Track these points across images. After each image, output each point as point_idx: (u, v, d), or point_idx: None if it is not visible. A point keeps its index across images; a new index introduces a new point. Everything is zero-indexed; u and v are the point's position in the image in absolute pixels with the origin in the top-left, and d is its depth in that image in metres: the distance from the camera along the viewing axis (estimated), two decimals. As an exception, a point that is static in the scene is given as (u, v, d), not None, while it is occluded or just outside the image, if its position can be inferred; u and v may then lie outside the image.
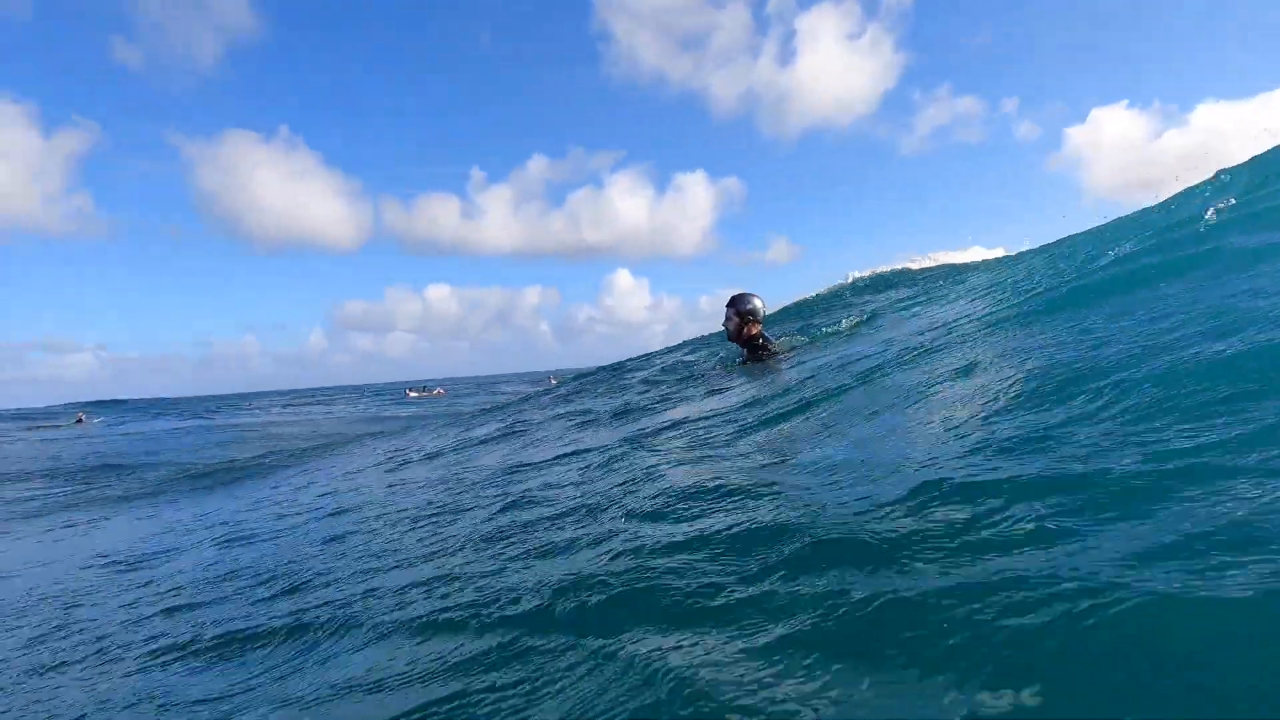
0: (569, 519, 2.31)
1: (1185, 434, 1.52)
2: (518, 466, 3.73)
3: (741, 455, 2.62)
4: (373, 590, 2.06)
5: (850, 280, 9.77)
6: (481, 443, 5.34)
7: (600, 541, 1.94)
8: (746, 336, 5.87)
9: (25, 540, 4.97)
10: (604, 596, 1.53)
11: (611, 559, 1.76)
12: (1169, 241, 3.56)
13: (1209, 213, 3.62)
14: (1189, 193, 4.92)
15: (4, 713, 1.74)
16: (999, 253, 8.94)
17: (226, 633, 1.99)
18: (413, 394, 37.42)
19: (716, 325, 6.24)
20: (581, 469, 3.18)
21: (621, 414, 4.81)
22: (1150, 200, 5.35)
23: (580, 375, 9.47)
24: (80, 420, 30.49)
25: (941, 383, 2.72)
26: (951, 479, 1.62)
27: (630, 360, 9.24)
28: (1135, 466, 1.41)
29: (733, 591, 1.39)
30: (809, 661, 1.08)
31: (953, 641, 1.02)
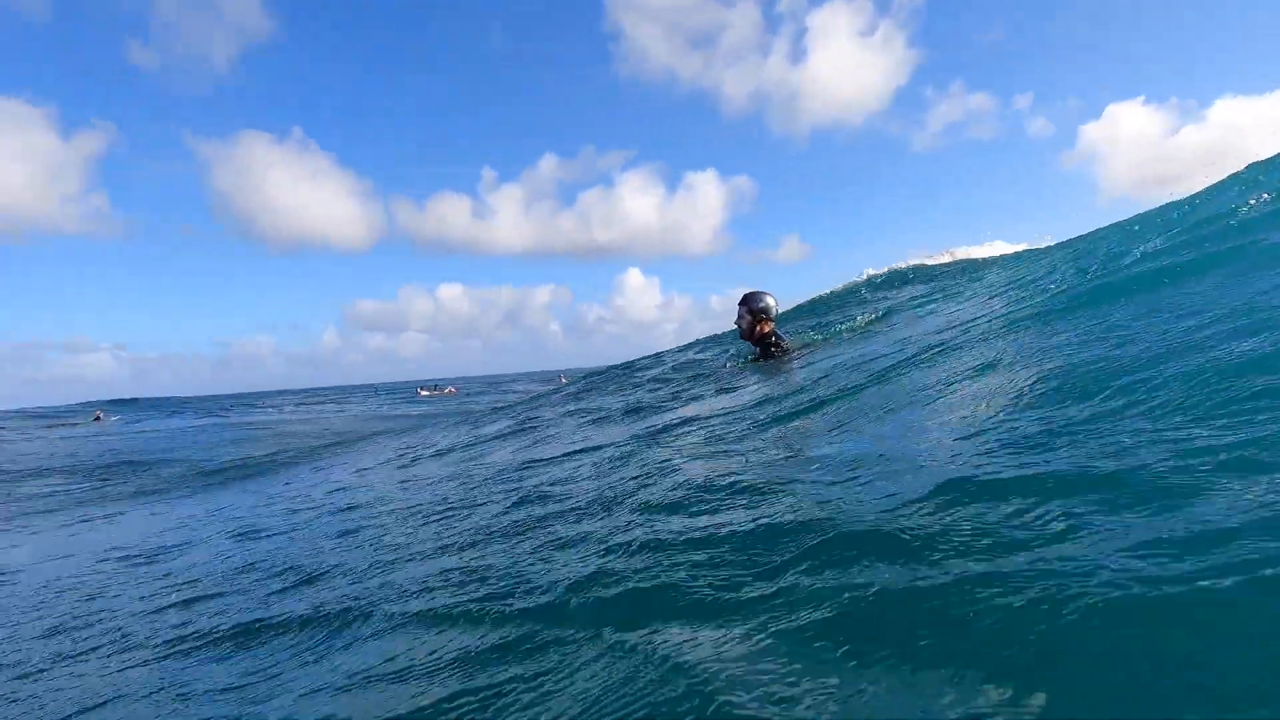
0: (583, 513, 2.30)
1: (1213, 432, 1.48)
2: (530, 462, 3.72)
3: (755, 451, 2.60)
4: (389, 582, 2.06)
5: (865, 277, 9.64)
6: (494, 438, 5.35)
7: (615, 535, 1.93)
8: (759, 335, 5.84)
9: (44, 534, 5.03)
10: (619, 590, 1.52)
11: (626, 553, 1.75)
12: (1199, 237, 3.49)
13: (1240, 207, 3.55)
14: (1218, 187, 4.83)
15: (30, 699, 1.76)
16: (1020, 248, 8.74)
17: (245, 622, 2.00)
18: (424, 393, 37.61)
19: (727, 324, 6.21)
20: (594, 464, 3.17)
21: (634, 411, 4.80)
22: (1167, 196, 5.27)
23: (591, 374, 9.47)
24: (98, 418, 30.89)
25: (960, 380, 2.68)
26: (971, 476, 1.59)
27: (641, 359, 9.23)
28: (1161, 464, 1.38)
29: (749, 586, 1.38)
30: (827, 656, 1.06)
31: (974, 637, 1.00)
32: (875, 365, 3.65)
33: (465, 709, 1.20)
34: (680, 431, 3.49)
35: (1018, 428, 1.87)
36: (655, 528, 1.89)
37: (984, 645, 0.98)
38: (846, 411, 2.86)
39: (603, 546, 1.86)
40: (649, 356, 9.39)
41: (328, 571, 2.38)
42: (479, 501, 3.00)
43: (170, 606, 2.40)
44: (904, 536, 1.37)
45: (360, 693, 1.38)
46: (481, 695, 1.23)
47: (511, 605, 1.60)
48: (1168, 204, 5.11)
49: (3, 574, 3.57)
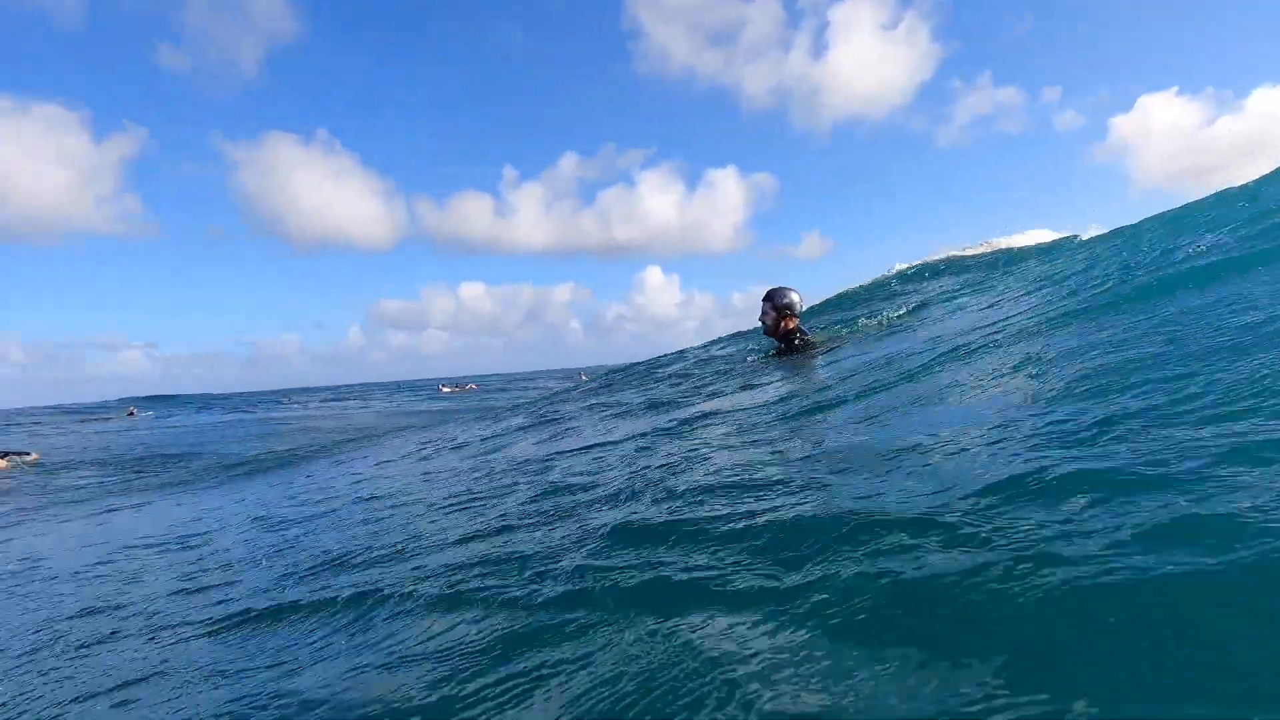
0: (608, 502, 2.28)
1: (1266, 431, 1.38)
2: (554, 454, 3.69)
3: (780, 443, 2.54)
4: (419, 566, 2.06)
5: (894, 272, 9.39)
6: (517, 431, 5.34)
7: (640, 524, 1.91)
8: (783, 331, 5.76)
9: (75, 522, 5.11)
10: (646, 578, 1.50)
11: (652, 541, 1.73)
12: (1255, 232, 3.33)
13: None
14: (1277, 175, 4.63)
15: (69, 679, 1.78)
16: (1061, 235, 8.31)
17: (277, 604, 2.01)
18: (446, 390, 37.99)
19: (749, 322, 6.13)
20: (618, 456, 3.12)
21: (657, 405, 4.74)
22: (1203, 188, 5.09)
23: (613, 371, 9.43)
24: (131, 414, 31.69)
25: (996, 376, 2.60)
26: (1006, 470, 1.54)
27: (664, 356, 9.17)
28: (1210, 464, 1.30)
29: (774, 576, 1.36)
30: (852, 647, 1.05)
31: (1010, 630, 0.98)
32: (904, 361, 3.55)
33: (496, 692, 1.19)
34: (704, 424, 3.42)
35: (1057, 423, 1.81)
36: (680, 517, 1.86)
37: (1018, 639, 0.96)
38: (873, 406, 2.79)
39: (628, 535, 1.84)
40: (671, 354, 9.33)
41: (356, 556, 2.38)
42: (503, 491, 2.97)
43: (203, 589, 2.42)
44: (934, 530, 1.33)
45: (393, 672, 1.38)
46: (514, 679, 1.22)
47: (540, 592, 1.59)
48: (1216, 193, 4.91)
49: (41, 558, 3.63)
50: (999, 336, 3.33)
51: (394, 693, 1.26)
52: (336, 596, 1.92)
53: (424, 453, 5.57)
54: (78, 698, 1.61)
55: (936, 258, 9.18)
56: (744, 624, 1.19)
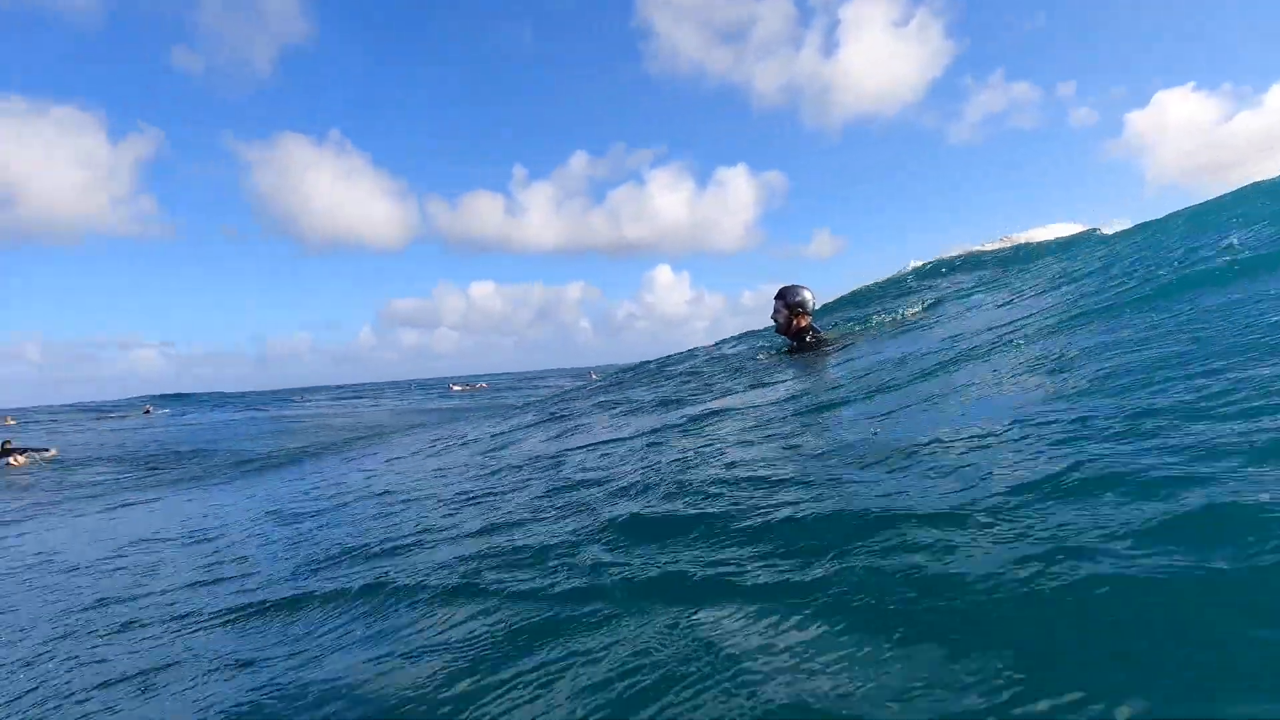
0: (621, 497, 2.27)
1: None
2: (566, 450, 3.68)
3: (794, 441, 2.53)
4: (433, 559, 2.07)
5: (911, 268, 9.23)
6: (528, 427, 5.34)
7: (652, 519, 1.90)
8: (796, 329, 5.71)
9: (91, 517, 5.17)
10: (659, 571, 1.50)
11: (665, 535, 1.73)
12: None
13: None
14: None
15: (92, 666, 1.80)
16: (1081, 228, 8.11)
17: (294, 595, 2.03)
18: (456, 389, 38.13)
19: (759, 320, 6.10)
20: (629, 451, 3.11)
21: (668, 403, 4.72)
22: (1220, 184, 4.99)
23: (623, 370, 9.42)
24: (147, 412, 32.05)
25: (1016, 375, 2.56)
26: (1023, 467, 1.53)
27: (674, 355, 9.14)
28: (1241, 464, 1.27)
29: (786, 570, 1.35)
30: (862, 641, 1.04)
31: (1030, 628, 0.97)
32: (919, 359, 3.51)
33: (517, 683, 1.19)
34: (717, 421, 3.40)
35: (1078, 420, 1.78)
36: (695, 511, 1.86)
37: (1037, 636, 0.95)
38: (886, 403, 2.76)
39: (643, 528, 1.84)
40: (682, 352, 9.30)
41: (372, 549, 2.39)
42: (516, 486, 2.98)
43: (220, 580, 2.44)
44: (950, 526, 1.32)
45: (414, 662, 1.38)
46: (535, 670, 1.22)
47: (557, 584, 1.58)
48: (1235, 191, 4.82)
49: (59, 551, 3.67)
50: (1016, 335, 3.29)
51: (415, 682, 1.26)
52: (354, 587, 1.93)
53: (436, 449, 5.58)
54: (103, 683, 1.63)
55: (954, 253, 8.99)
56: (761, 618, 1.18)
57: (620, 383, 7.50)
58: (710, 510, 1.81)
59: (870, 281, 9.41)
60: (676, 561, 1.52)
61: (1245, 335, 2.06)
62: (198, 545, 3.23)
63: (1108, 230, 7.17)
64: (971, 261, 8.51)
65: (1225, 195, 5.05)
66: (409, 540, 2.37)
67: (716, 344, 9.20)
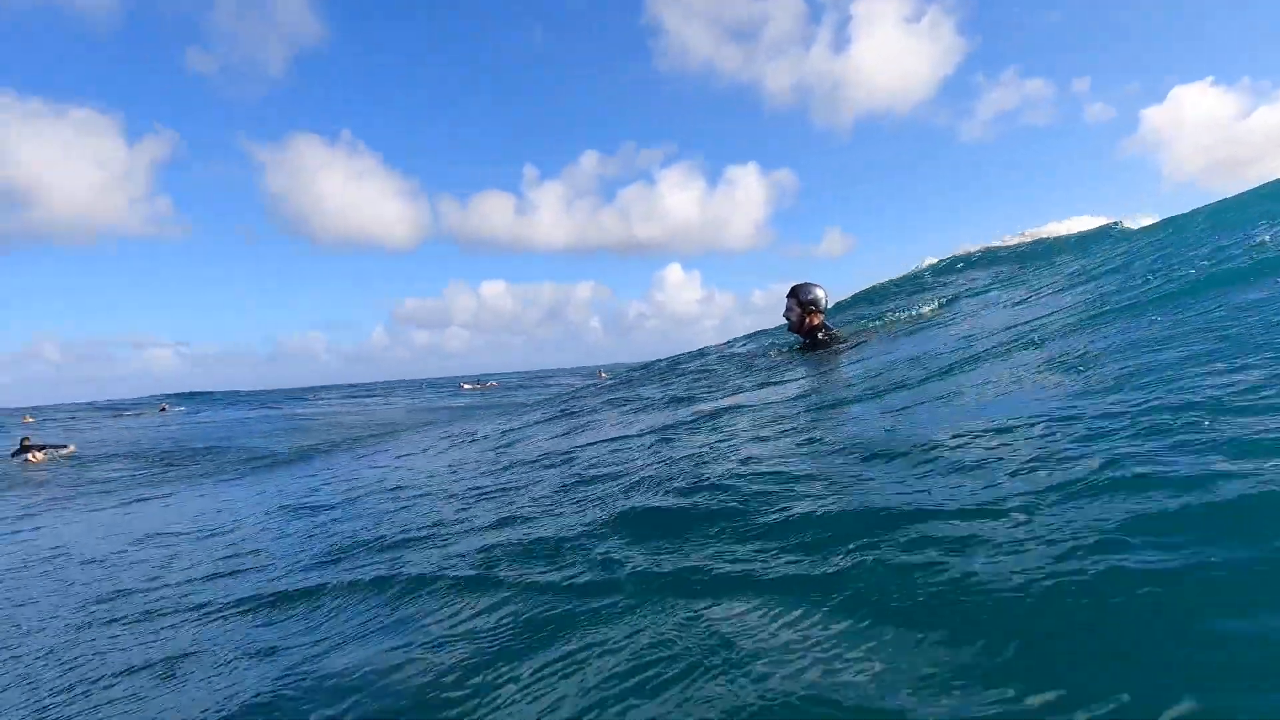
0: (634, 492, 2.26)
1: None
2: (577, 447, 3.67)
3: (806, 438, 2.51)
4: (448, 552, 2.07)
5: (926, 265, 9.13)
6: (540, 424, 5.34)
7: (667, 512, 1.90)
8: (808, 327, 5.67)
9: (107, 512, 5.22)
10: (676, 566, 1.49)
11: (676, 530, 1.73)
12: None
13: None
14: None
15: (113, 654, 1.82)
16: (1103, 221, 7.92)
17: (310, 586, 2.04)
18: (467, 387, 38.29)
19: (770, 320, 6.08)
20: (641, 448, 3.10)
21: (679, 400, 4.71)
22: (1239, 180, 4.90)
23: (633, 368, 9.42)
24: (163, 410, 32.42)
25: (1033, 373, 2.52)
26: (1041, 468, 1.51)
27: (685, 354, 9.13)
28: (1263, 463, 1.24)
29: (806, 566, 1.34)
30: (873, 636, 1.04)
31: (1050, 624, 0.96)
32: (934, 357, 3.47)
33: (535, 675, 1.19)
34: (728, 418, 3.39)
35: (1099, 418, 1.74)
36: (709, 507, 1.85)
37: (1056, 633, 0.94)
38: (899, 401, 2.74)
39: (657, 522, 1.84)
40: (692, 351, 9.28)
41: (387, 541, 2.40)
42: (528, 481, 2.98)
43: (237, 572, 2.46)
44: (966, 524, 1.31)
45: (433, 652, 1.38)
46: (552, 663, 1.22)
47: (571, 577, 1.58)
48: (1254, 188, 4.74)
49: (76, 544, 3.71)
50: (1036, 332, 3.25)
51: (434, 672, 1.26)
52: (370, 579, 1.94)
53: (448, 446, 5.60)
54: (126, 670, 1.64)
55: (970, 249, 8.88)
56: (780, 612, 1.18)
57: (631, 381, 7.49)
58: (725, 505, 1.80)
59: (885, 279, 9.34)
60: (693, 555, 1.52)
61: (1273, 333, 2.02)
62: (213, 538, 3.25)
63: (1131, 224, 7.05)
64: (988, 257, 8.40)
65: (1247, 192, 4.97)
66: (423, 533, 2.37)
67: (727, 342, 9.17)
